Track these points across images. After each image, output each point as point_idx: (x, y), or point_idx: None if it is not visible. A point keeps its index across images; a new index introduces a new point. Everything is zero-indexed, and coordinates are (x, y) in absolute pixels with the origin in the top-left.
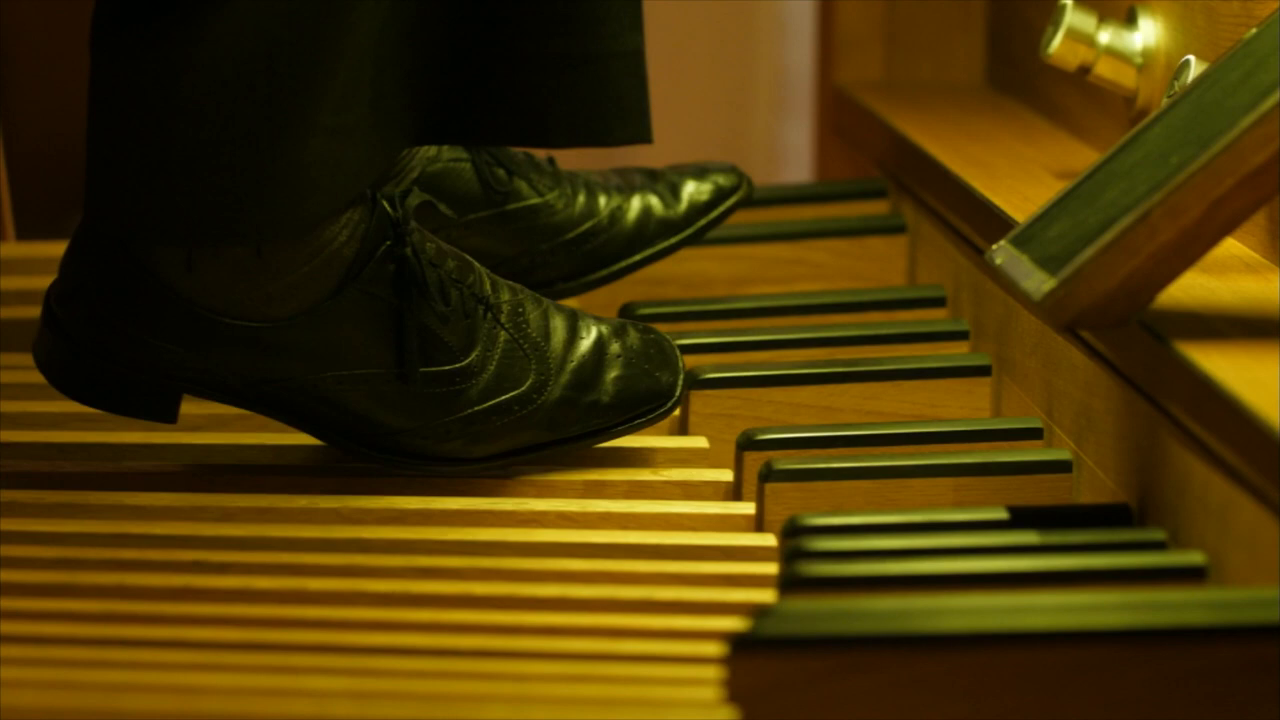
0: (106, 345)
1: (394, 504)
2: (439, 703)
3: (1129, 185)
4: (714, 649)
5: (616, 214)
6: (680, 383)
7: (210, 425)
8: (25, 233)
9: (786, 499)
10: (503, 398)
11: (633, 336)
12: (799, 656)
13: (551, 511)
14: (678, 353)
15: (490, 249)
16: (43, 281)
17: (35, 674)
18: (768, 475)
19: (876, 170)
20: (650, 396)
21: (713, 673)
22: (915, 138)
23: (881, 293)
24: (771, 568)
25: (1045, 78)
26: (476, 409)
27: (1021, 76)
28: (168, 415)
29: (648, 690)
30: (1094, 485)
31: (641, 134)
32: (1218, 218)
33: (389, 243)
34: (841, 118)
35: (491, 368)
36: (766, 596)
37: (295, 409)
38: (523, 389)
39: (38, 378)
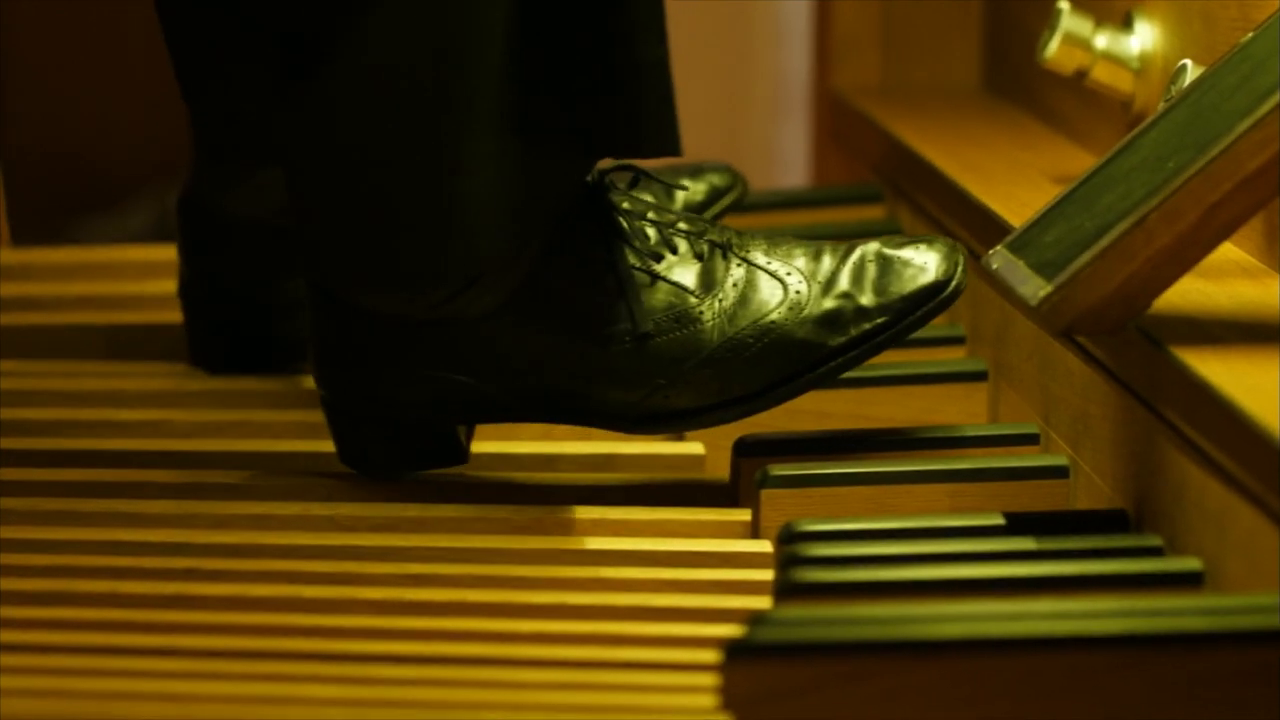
0: (359, 399)
1: (388, 511)
2: (434, 710)
3: (1126, 190)
4: (710, 656)
5: None
6: (960, 269)
7: (203, 433)
8: (21, 238)
9: (782, 505)
10: (760, 318)
11: (898, 240)
12: (795, 663)
13: (546, 518)
14: (954, 243)
15: None
16: (39, 287)
17: (29, 682)
18: (764, 481)
19: (873, 175)
20: (927, 290)
21: (709, 680)
22: (912, 142)
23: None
24: (767, 574)
25: (1042, 82)
26: (733, 338)
27: (1018, 81)
28: (460, 455)
29: (643, 698)
30: (1091, 491)
31: (670, 146)
32: (1214, 222)
33: (583, 202)
34: (838, 122)
35: (741, 295)
36: (763, 603)
37: (560, 401)
38: (783, 306)
39: (34, 384)
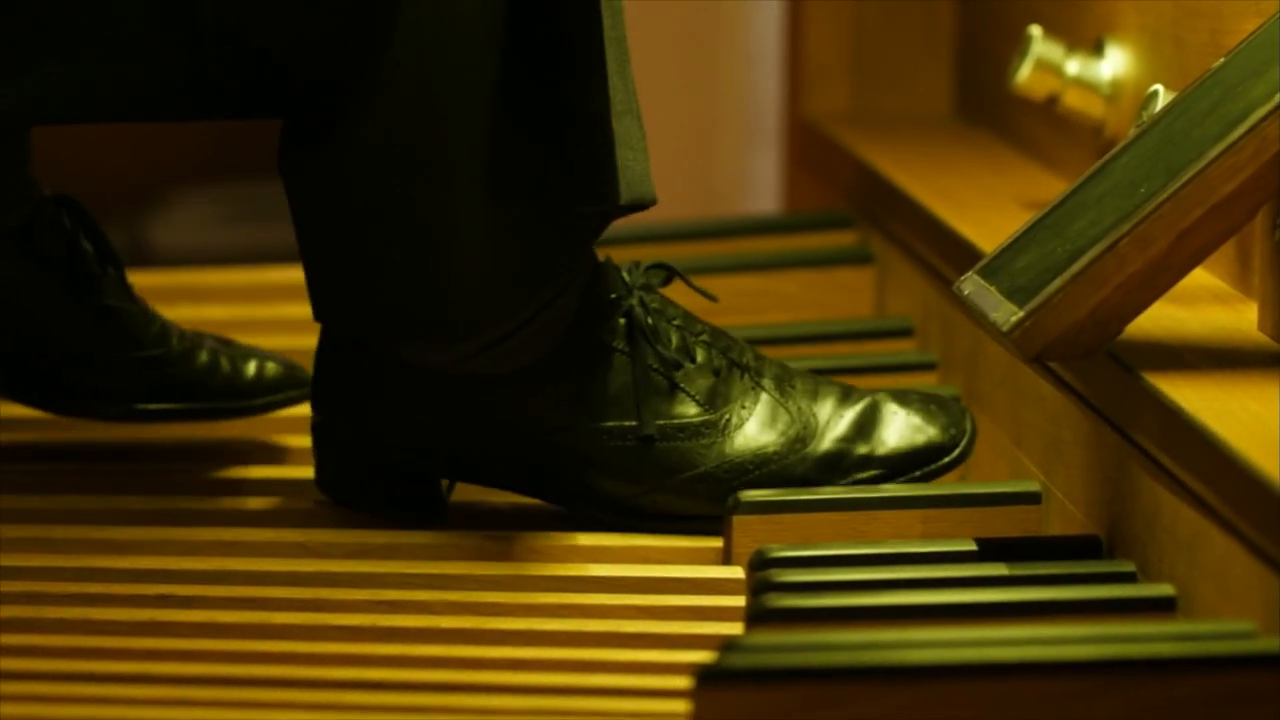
0: (352, 432)
1: (360, 538)
2: None
3: (1097, 216)
4: (682, 682)
5: (188, 354)
6: (967, 436)
7: (174, 458)
8: None
9: (754, 531)
10: (761, 447)
11: (913, 396)
12: (767, 690)
13: (518, 543)
14: (966, 411)
15: (65, 330)
16: None
17: (0, 709)
18: (735, 508)
19: (844, 201)
20: (930, 450)
21: (680, 706)
22: (883, 168)
23: (849, 324)
24: (739, 600)
25: (1013, 108)
26: (732, 461)
27: (989, 107)
28: (438, 507)
29: None
30: (1063, 517)
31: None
32: (1186, 248)
33: (614, 295)
34: (809, 148)
35: (748, 419)
36: (735, 629)
37: (552, 479)
38: (785, 439)
39: (1, 411)
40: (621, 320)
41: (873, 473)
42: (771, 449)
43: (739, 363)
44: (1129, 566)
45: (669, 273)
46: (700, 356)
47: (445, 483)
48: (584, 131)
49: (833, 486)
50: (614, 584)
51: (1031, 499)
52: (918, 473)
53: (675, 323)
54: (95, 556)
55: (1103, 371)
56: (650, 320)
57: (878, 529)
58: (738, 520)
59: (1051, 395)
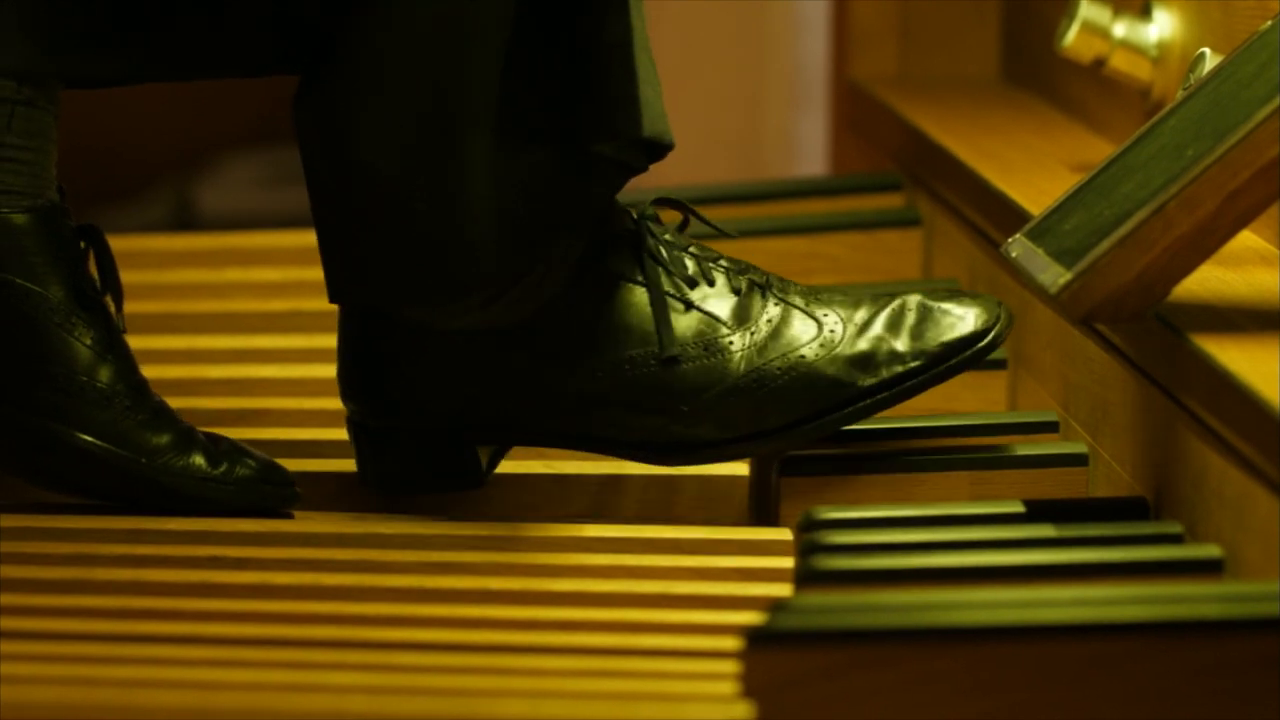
0: (384, 412)
1: (410, 500)
2: (455, 698)
3: (1144, 178)
4: (731, 643)
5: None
6: (1000, 322)
7: (223, 421)
8: None
9: (802, 493)
10: (790, 352)
11: (942, 292)
12: (816, 651)
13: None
14: (998, 300)
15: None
16: None
17: (51, 670)
18: (784, 469)
19: (891, 163)
20: (965, 339)
21: (730, 667)
22: (930, 131)
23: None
24: (788, 562)
25: (1060, 71)
26: (760, 368)
27: (1036, 70)
28: (477, 477)
29: (665, 685)
30: (1110, 479)
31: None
32: (1233, 211)
33: (619, 228)
34: (856, 111)
35: (772, 327)
36: (783, 591)
37: (582, 424)
38: (813, 340)
39: None
40: (631, 251)
41: (910, 365)
42: (801, 353)
43: (760, 283)
44: (1176, 528)
45: (685, 215)
46: (719, 281)
47: (485, 455)
48: (604, 64)
49: (865, 378)
50: (663, 545)
51: (1079, 461)
52: (954, 360)
53: (691, 250)
54: (145, 518)
55: (1150, 333)
56: (663, 250)
57: (925, 491)
58: (786, 482)
59: (1099, 357)
